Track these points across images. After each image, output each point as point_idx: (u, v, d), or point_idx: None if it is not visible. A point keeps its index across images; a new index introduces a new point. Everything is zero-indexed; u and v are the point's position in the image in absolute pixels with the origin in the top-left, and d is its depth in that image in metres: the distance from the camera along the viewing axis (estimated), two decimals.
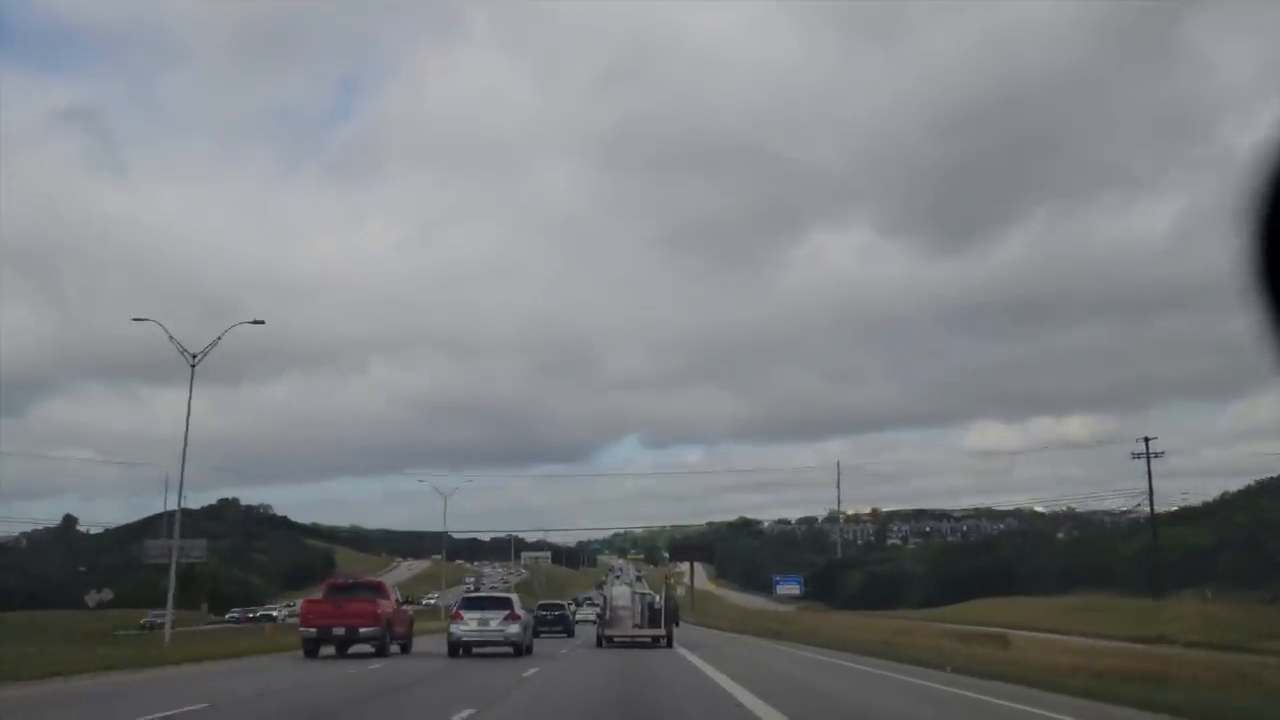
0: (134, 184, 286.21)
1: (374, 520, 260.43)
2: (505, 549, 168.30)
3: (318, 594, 34.00)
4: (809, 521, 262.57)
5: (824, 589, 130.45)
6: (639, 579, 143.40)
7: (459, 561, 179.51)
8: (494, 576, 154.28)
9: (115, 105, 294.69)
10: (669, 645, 33.03)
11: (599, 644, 33.87)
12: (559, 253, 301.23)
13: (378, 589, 31.92)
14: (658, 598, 35.91)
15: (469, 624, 28.93)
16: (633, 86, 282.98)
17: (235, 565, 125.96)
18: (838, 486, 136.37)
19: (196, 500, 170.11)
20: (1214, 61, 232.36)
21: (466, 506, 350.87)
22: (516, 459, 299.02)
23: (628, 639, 33.99)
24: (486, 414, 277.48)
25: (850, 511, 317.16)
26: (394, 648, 29.60)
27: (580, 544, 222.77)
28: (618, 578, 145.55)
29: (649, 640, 33.84)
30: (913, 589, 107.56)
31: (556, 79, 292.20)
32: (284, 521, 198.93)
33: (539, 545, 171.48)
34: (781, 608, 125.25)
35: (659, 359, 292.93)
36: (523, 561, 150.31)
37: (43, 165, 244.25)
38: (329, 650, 29.01)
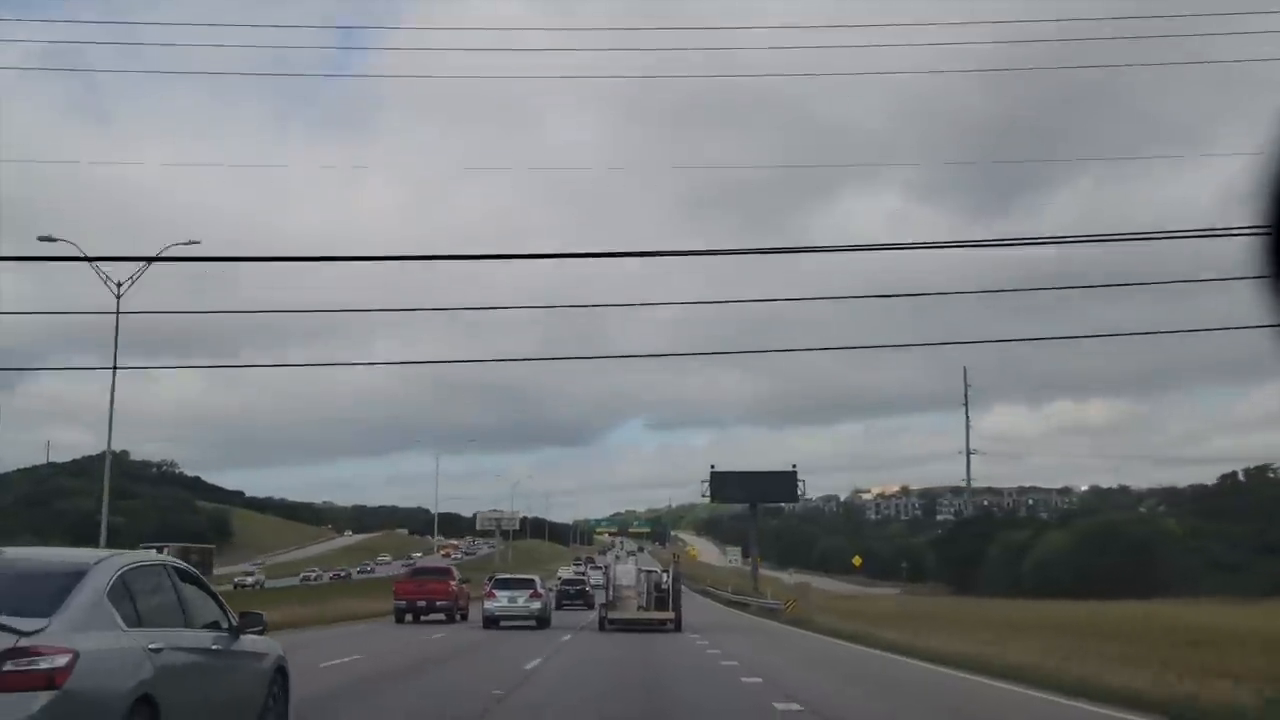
0: (116, 134, 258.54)
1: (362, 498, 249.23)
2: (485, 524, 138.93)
3: None
4: (832, 499, 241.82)
5: (942, 567, 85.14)
6: (640, 550, 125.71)
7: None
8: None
9: (97, 48, 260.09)
10: (678, 629, 31.08)
11: (601, 627, 31.66)
12: (569, 215, 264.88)
13: (447, 572, 39.54)
14: (665, 576, 33.67)
15: (500, 601, 32.37)
16: (653, 32, 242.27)
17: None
18: (965, 408, 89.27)
19: (76, 452, 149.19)
20: None
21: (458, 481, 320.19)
22: (517, 437, 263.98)
23: (633, 623, 31.56)
24: (487, 388, 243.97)
25: (878, 489, 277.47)
26: (457, 616, 36.37)
27: (577, 521, 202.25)
28: (623, 547, 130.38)
29: (656, 624, 31.69)
30: (1175, 567, 60.96)
31: (572, 21, 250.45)
32: (194, 482, 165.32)
33: (512, 518, 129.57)
34: (863, 589, 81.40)
35: (672, 332, 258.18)
36: (476, 522, 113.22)
37: (17, 111, 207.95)
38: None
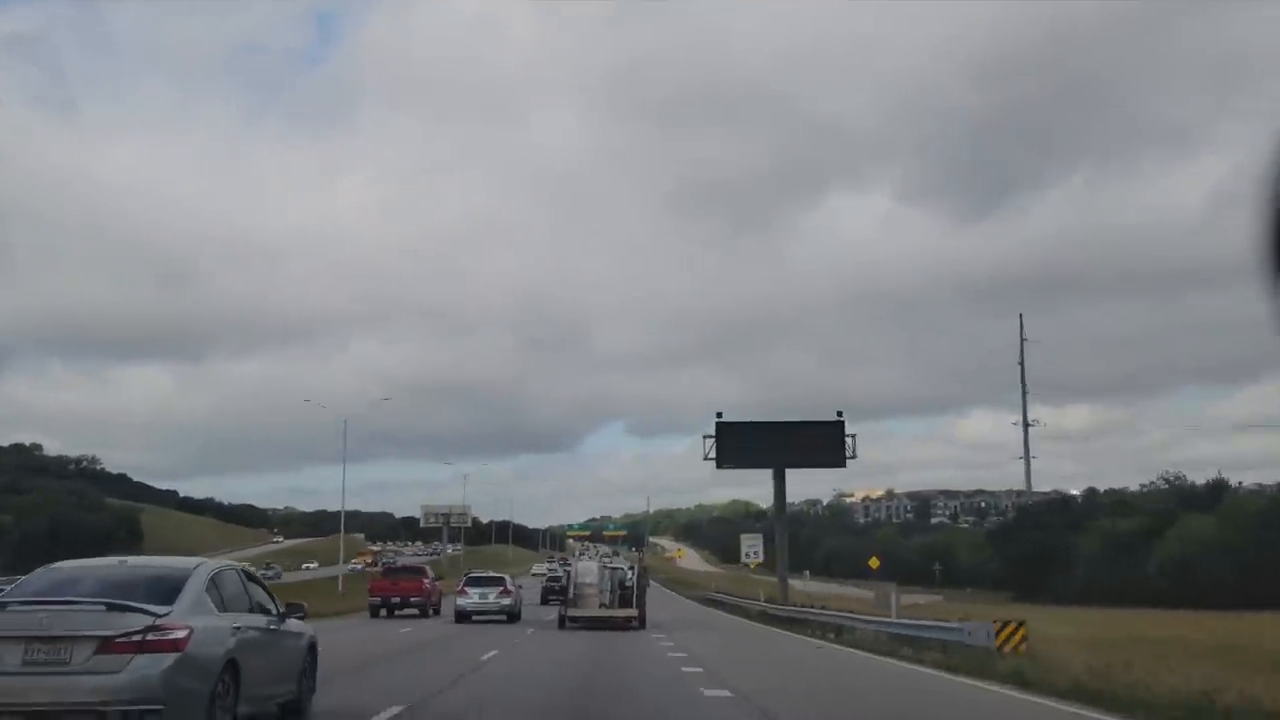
0: (83, 127, 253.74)
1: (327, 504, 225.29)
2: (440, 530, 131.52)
3: None
4: (815, 503, 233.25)
5: (1000, 567, 69.15)
6: (615, 554, 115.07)
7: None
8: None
9: (62, 36, 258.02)
10: (641, 626, 31.26)
11: (561, 625, 31.43)
12: (552, 214, 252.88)
13: (421, 571, 42.47)
14: (629, 573, 33.17)
15: (471, 597, 34.75)
16: (642, 21, 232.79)
17: None
18: (1022, 379, 73.59)
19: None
20: None
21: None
22: (492, 443, 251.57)
23: (595, 620, 31.15)
24: (467, 393, 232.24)
25: (862, 493, 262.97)
26: (430, 612, 38.60)
27: (550, 526, 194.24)
28: (596, 551, 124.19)
29: (619, 622, 31.22)
30: None
31: (557, 11, 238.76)
32: (118, 479, 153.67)
33: (462, 513, 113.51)
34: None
35: (654, 335, 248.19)
36: (421, 519, 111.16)
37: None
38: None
